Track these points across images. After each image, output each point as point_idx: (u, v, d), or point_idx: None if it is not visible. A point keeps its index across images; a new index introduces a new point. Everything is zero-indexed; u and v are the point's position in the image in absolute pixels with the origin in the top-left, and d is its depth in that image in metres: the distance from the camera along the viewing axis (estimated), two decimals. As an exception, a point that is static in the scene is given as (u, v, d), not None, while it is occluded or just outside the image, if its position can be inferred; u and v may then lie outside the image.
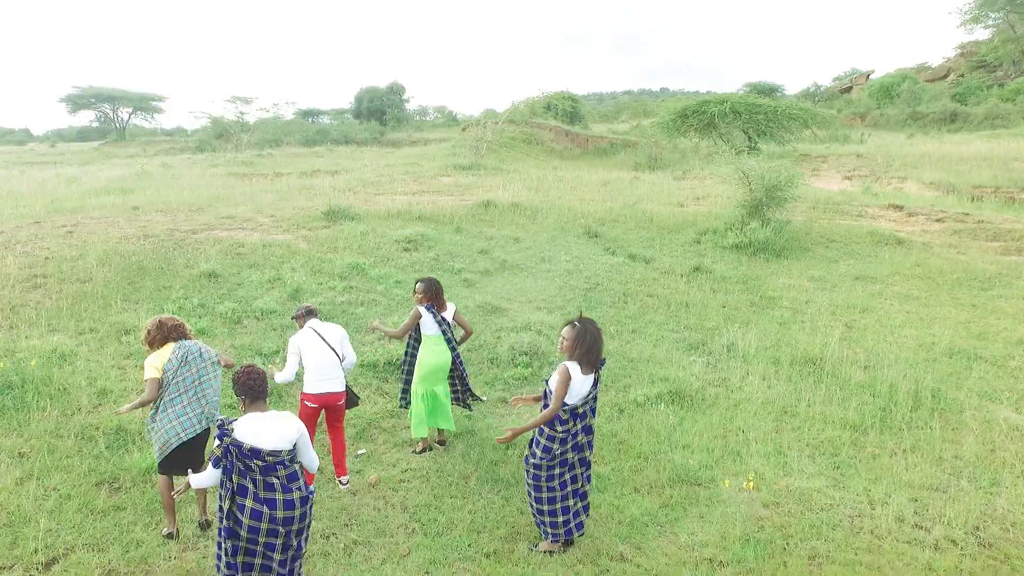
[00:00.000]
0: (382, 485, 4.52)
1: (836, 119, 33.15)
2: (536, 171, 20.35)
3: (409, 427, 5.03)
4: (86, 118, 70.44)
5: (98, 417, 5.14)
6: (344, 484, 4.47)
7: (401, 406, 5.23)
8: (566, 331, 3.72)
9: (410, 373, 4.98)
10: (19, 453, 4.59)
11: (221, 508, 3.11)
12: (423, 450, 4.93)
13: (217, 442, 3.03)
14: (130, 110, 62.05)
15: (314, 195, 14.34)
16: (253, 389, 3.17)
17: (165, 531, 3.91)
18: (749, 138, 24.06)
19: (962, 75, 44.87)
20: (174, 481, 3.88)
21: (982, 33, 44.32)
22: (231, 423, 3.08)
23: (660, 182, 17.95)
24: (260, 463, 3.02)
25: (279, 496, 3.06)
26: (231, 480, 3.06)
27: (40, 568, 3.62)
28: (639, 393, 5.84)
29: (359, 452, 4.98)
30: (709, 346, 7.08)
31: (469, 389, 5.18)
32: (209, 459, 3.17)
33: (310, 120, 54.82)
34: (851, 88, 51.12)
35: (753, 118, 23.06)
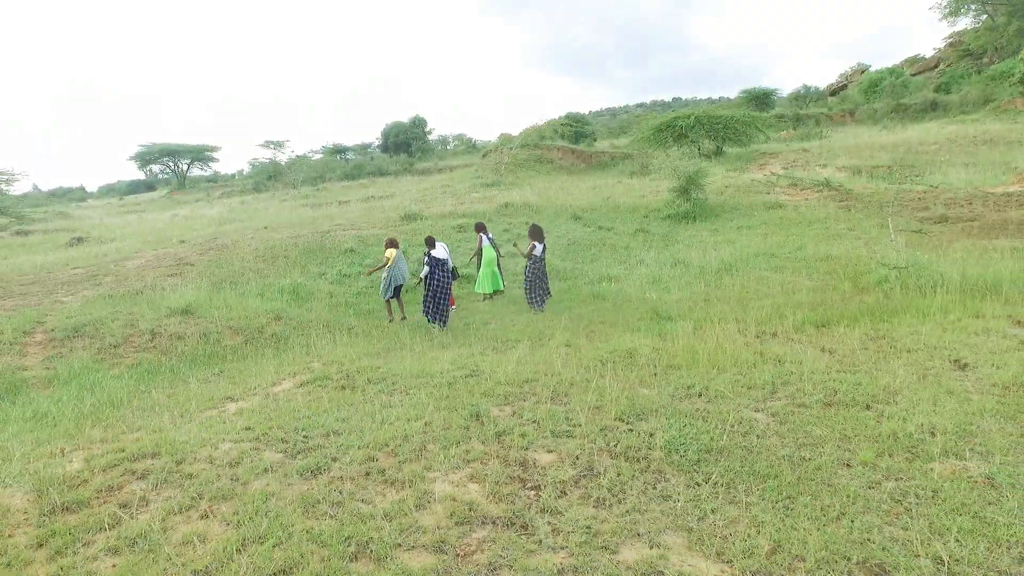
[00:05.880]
0: (466, 308, 10.58)
1: (823, 117, 38.51)
2: (543, 184, 26.49)
3: (479, 300, 11.14)
4: (141, 172, 78.42)
5: (344, 297, 11.30)
6: (452, 309, 10.52)
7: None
8: (529, 230, 9.80)
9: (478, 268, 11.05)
10: (344, 325, 10.79)
11: (425, 281, 9.17)
12: (485, 299, 10.98)
13: (426, 259, 9.10)
14: (188, 161, 70.35)
15: (384, 210, 20.65)
16: (433, 244, 9.26)
17: (388, 319, 10.03)
18: (716, 143, 29.76)
19: (950, 64, 46.71)
20: (393, 301, 10.13)
21: (971, 23, 45.68)
22: (432, 253, 9.14)
23: (635, 184, 23.94)
24: (440, 264, 9.10)
25: (440, 280, 9.10)
26: (429, 270, 9.13)
27: (350, 330, 9.75)
28: (586, 280, 11.82)
29: (453, 308, 11.02)
30: (630, 261, 13.04)
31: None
32: (424, 263, 9.20)
33: (338, 157, 61.35)
34: (846, 86, 55.19)
35: (713, 127, 28.81)
